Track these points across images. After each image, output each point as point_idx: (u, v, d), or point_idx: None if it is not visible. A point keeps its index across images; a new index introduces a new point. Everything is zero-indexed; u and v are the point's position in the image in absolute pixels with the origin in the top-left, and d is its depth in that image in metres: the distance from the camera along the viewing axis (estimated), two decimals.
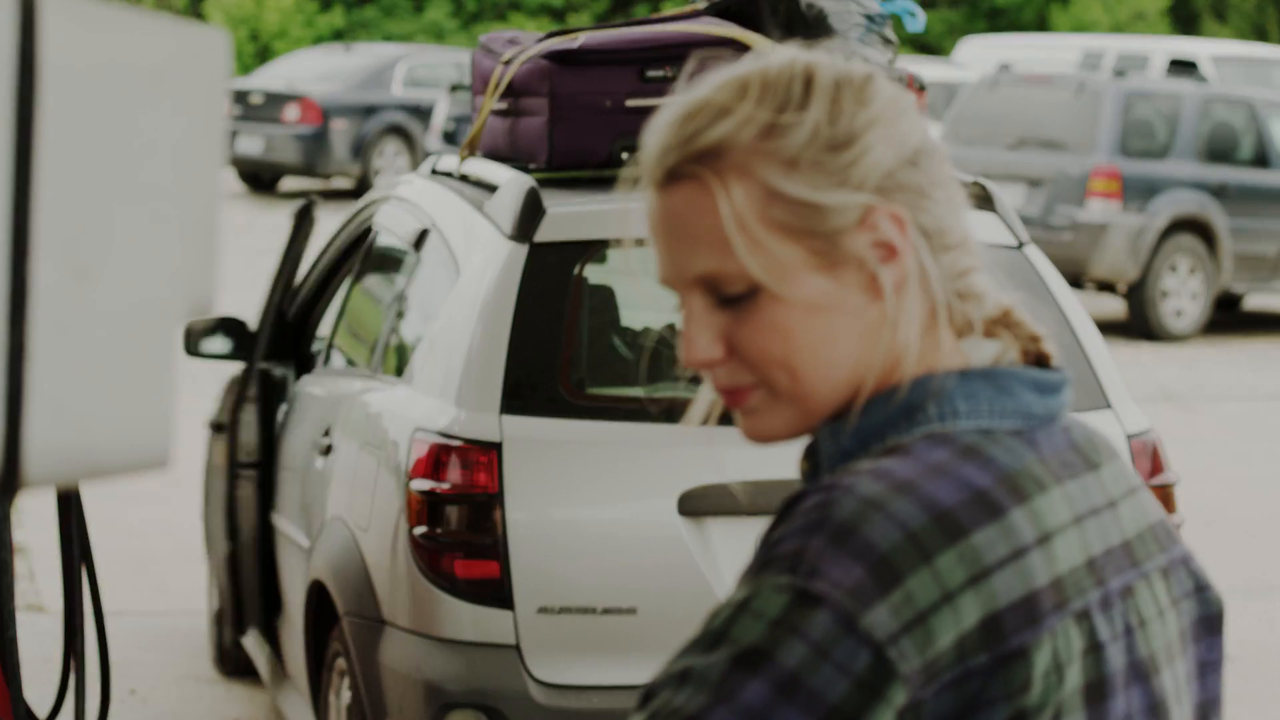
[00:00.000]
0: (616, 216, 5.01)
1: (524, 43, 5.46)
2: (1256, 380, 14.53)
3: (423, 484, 4.63)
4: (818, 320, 1.67)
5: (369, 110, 23.85)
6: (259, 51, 32.66)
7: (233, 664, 7.05)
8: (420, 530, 4.62)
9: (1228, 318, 17.10)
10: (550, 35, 5.46)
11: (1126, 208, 15.91)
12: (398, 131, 23.84)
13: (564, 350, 4.75)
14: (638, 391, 4.83)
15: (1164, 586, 1.75)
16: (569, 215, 4.85)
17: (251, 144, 23.58)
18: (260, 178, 24.43)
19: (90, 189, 1.60)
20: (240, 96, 23.88)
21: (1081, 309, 5.34)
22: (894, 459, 1.63)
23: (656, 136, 1.70)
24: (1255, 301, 18.05)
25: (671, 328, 5.13)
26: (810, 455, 1.73)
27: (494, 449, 4.59)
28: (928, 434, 1.66)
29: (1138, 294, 16.04)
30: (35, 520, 7.66)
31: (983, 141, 16.59)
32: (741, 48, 4.99)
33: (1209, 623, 1.81)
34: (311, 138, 23.48)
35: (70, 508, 3.81)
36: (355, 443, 5.21)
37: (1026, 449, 1.68)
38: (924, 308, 1.69)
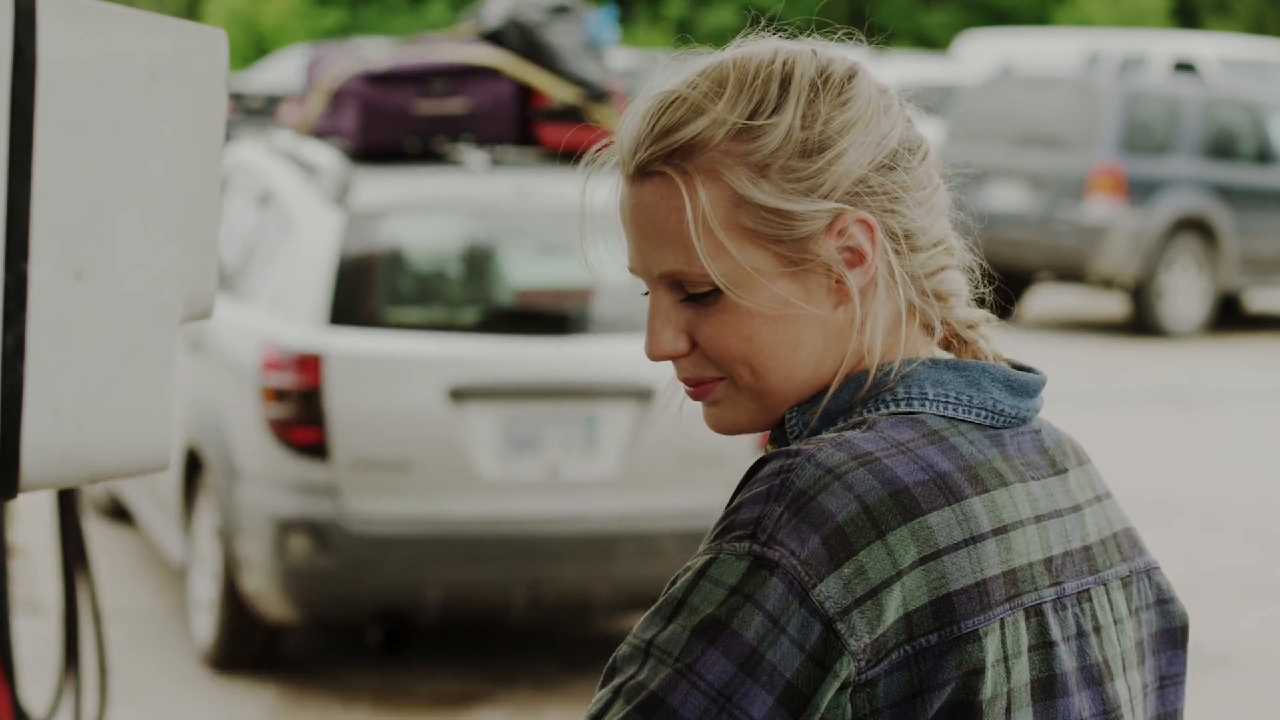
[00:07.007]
0: (409, 188, 7.13)
1: (345, 58, 7.61)
2: (1258, 379, 14.52)
3: (270, 378, 6.68)
4: (780, 325, 1.68)
5: None
6: (258, 50, 32.63)
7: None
8: (270, 410, 6.68)
9: (1229, 317, 17.09)
10: (398, 46, 7.88)
11: (1128, 206, 15.89)
12: None
13: (370, 283, 6.83)
14: (420, 313, 6.99)
15: (1123, 595, 1.75)
16: (375, 187, 6.95)
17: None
18: None
19: (89, 188, 1.60)
20: (238, 96, 23.82)
21: None
22: (858, 431, 1.66)
23: (630, 126, 1.71)
24: (1257, 300, 18.04)
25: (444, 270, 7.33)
26: (776, 434, 1.75)
27: (317, 356, 6.62)
28: (894, 413, 1.68)
29: (1139, 293, 16.03)
30: (33, 520, 7.65)
31: (984, 140, 16.56)
32: (499, 74, 7.25)
33: (1171, 635, 1.81)
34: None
35: (69, 508, 3.80)
36: (221, 344, 7.15)
37: (991, 445, 1.70)
38: (891, 308, 1.71)
